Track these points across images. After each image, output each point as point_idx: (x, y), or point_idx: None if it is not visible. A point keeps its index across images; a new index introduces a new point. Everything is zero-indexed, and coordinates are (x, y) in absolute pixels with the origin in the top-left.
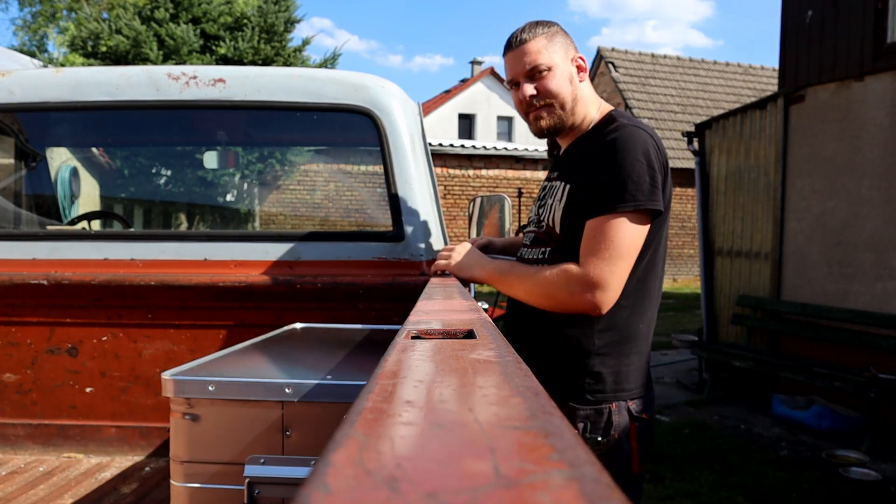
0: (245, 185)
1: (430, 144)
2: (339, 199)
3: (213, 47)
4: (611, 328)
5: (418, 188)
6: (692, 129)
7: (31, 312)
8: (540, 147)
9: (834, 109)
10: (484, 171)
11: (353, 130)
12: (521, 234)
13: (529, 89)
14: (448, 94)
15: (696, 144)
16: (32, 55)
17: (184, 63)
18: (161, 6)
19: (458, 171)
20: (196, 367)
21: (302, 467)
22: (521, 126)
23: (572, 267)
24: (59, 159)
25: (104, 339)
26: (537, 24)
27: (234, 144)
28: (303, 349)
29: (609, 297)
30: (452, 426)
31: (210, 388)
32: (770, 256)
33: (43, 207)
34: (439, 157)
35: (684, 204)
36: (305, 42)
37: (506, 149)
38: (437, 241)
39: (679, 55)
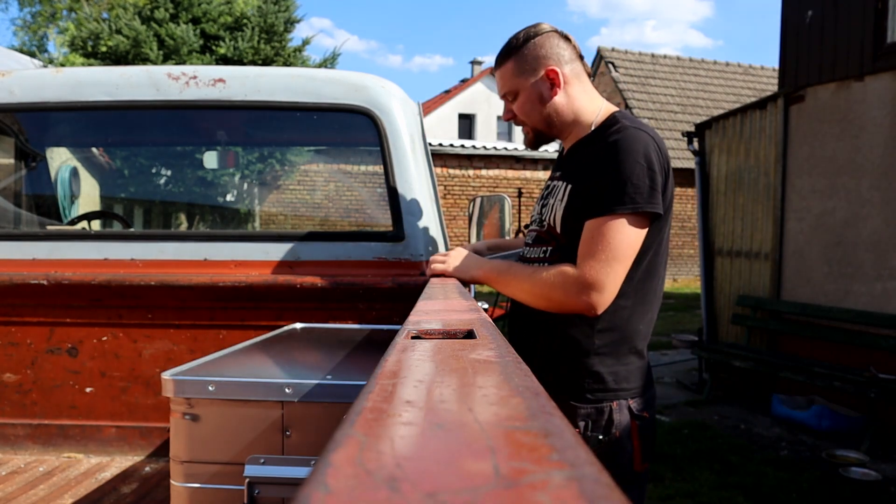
0: (245, 185)
1: (430, 144)
2: (339, 199)
3: (213, 47)
4: (611, 328)
5: (418, 188)
6: (692, 129)
7: (31, 312)
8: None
9: (834, 109)
10: (484, 171)
11: (353, 130)
12: (519, 235)
13: (507, 111)
14: (448, 94)
15: (696, 144)
16: (32, 55)
17: (184, 63)
18: (161, 6)
19: (458, 171)
20: (196, 367)
21: (302, 467)
22: None
23: (569, 268)
24: (59, 159)
25: (104, 339)
26: (517, 36)
27: (234, 144)
28: (303, 349)
29: (604, 298)
30: (452, 426)
31: (210, 388)
32: (770, 256)
33: (43, 207)
34: (439, 157)
35: (684, 204)
36: (305, 42)
37: (506, 149)
38: (437, 241)
39: (679, 55)
